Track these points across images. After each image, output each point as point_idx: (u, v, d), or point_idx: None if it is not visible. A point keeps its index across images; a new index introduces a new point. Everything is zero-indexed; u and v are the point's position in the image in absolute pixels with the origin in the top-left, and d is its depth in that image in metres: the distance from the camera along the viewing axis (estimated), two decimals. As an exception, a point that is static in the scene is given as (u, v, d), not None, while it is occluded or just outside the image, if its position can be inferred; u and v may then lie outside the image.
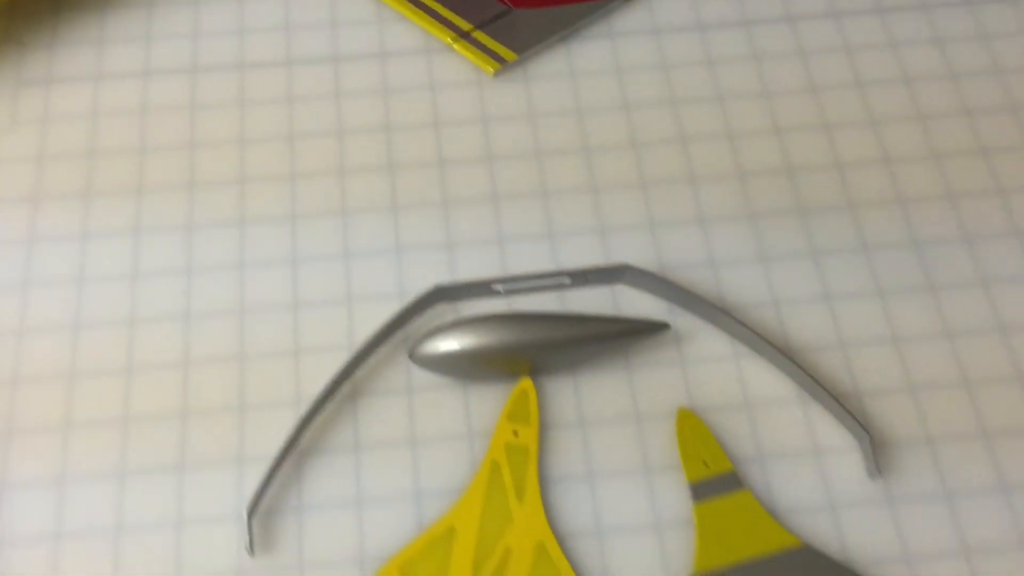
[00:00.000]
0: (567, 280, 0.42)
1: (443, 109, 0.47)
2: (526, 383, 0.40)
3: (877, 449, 0.39)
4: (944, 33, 0.49)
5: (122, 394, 0.40)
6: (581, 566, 0.37)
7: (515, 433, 0.39)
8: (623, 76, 0.48)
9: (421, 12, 0.49)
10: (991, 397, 0.40)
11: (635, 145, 0.46)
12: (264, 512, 0.38)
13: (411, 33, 0.49)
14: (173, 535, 0.37)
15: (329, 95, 0.48)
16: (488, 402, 0.40)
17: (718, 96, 0.47)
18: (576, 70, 0.48)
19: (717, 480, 0.38)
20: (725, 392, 0.40)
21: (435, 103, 0.47)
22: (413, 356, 0.40)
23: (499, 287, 0.42)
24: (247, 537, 0.36)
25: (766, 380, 0.40)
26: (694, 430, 0.39)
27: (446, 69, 0.48)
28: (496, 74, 0.48)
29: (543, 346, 0.39)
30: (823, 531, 0.37)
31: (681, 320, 0.42)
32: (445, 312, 0.42)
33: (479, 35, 0.49)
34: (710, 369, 0.41)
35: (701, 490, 0.38)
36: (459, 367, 0.39)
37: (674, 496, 0.38)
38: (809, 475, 0.38)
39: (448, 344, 0.39)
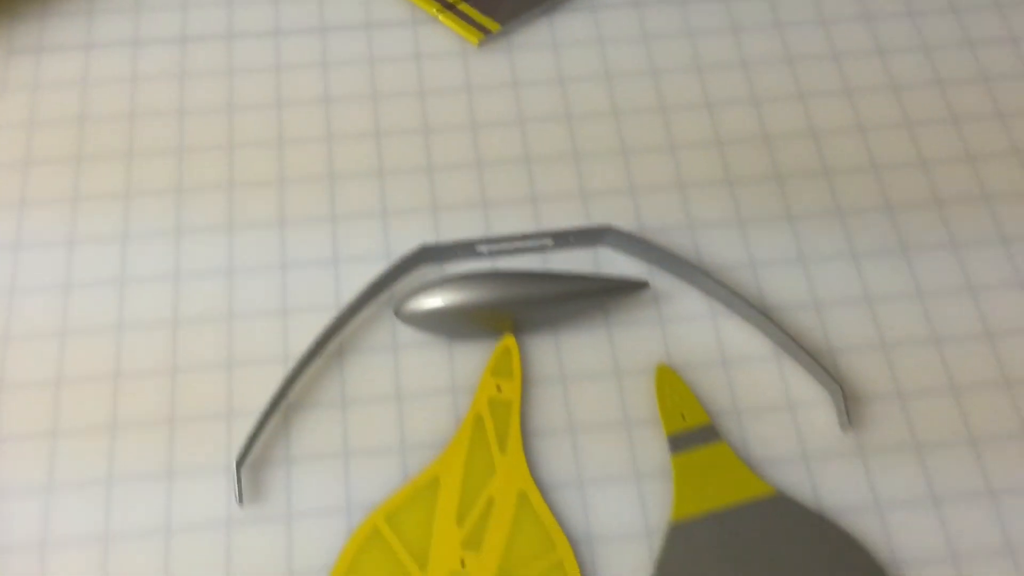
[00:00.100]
0: (550, 242, 0.43)
1: (428, 78, 0.48)
2: (509, 340, 0.41)
3: (849, 403, 0.40)
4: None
5: (113, 352, 0.41)
6: (563, 515, 0.38)
7: (498, 388, 0.40)
8: (605, 47, 0.49)
9: (407, -16, 0.50)
10: (960, 353, 0.41)
11: (616, 113, 0.47)
12: (253, 464, 0.39)
13: (397, 5, 0.50)
14: (165, 485, 0.38)
15: (316, 64, 0.48)
16: (472, 359, 0.41)
17: (696, 67, 0.49)
18: (559, 41, 0.49)
19: (694, 432, 0.39)
20: (703, 349, 0.41)
21: (420, 73, 0.48)
22: (399, 313, 0.40)
23: (483, 248, 0.43)
24: (236, 487, 0.37)
25: (742, 337, 0.42)
26: (672, 385, 0.40)
27: (431, 40, 0.49)
28: (480, 44, 0.49)
29: (525, 303, 0.40)
30: (796, 481, 0.39)
31: (660, 280, 0.43)
32: (430, 273, 0.43)
33: (464, 7, 0.50)
34: (688, 327, 0.42)
35: (679, 442, 0.39)
36: (444, 324, 0.40)
37: (653, 448, 0.39)
38: (783, 428, 0.40)
39: (433, 301, 0.40)
